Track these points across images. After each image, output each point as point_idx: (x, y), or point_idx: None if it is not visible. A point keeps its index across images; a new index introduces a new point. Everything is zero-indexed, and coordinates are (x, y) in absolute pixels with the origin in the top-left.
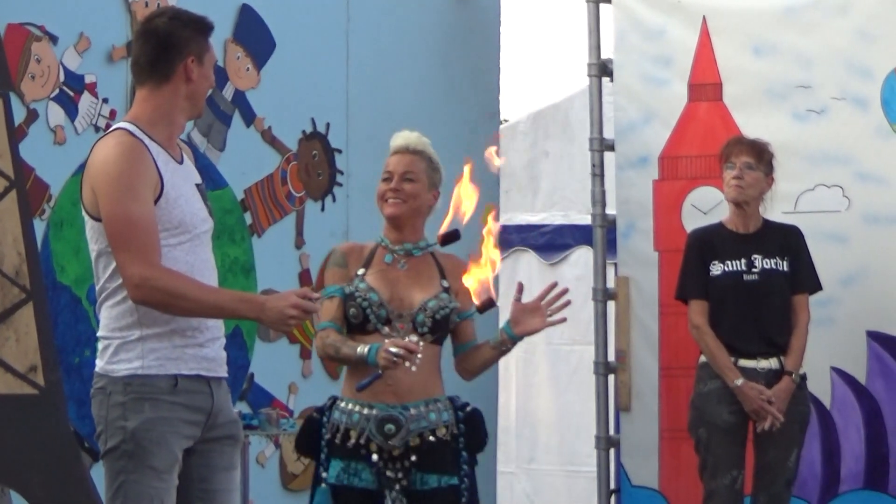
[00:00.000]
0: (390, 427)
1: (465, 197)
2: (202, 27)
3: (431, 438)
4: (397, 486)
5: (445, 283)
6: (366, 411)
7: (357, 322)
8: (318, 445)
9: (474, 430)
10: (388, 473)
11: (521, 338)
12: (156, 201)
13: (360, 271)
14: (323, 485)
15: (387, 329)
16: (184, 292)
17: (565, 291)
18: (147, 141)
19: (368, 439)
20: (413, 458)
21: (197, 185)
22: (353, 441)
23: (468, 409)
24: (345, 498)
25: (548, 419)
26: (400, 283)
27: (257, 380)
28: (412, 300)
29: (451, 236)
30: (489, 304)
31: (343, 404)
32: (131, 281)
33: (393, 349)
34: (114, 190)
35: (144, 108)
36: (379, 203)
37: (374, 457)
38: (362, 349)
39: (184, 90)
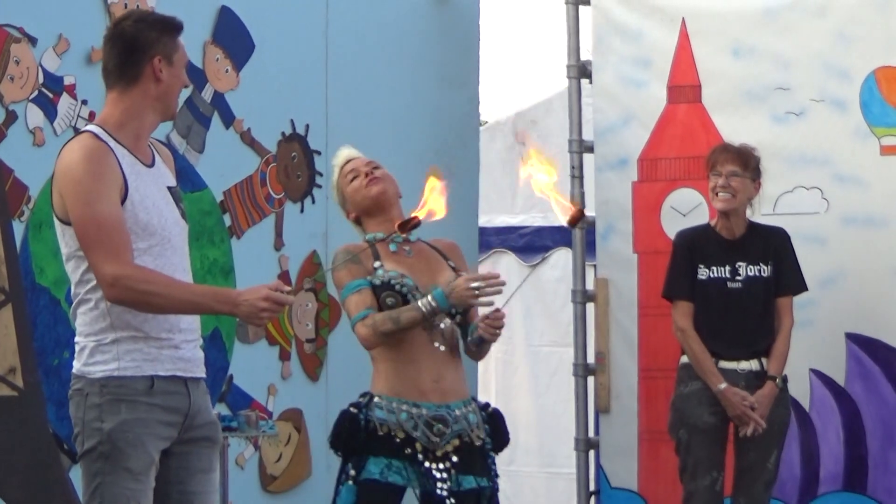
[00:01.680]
0: (440, 427)
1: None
2: (169, 27)
3: (468, 440)
4: (442, 487)
5: (452, 264)
6: (414, 410)
7: None
8: (356, 442)
9: (498, 431)
10: (436, 474)
11: (475, 342)
12: (121, 204)
13: (377, 263)
14: (350, 482)
15: None
16: (157, 290)
17: (501, 284)
18: (112, 144)
19: (412, 438)
20: (454, 458)
21: (170, 188)
22: (399, 439)
23: (490, 409)
24: (376, 495)
25: (527, 421)
26: (415, 268)
27: (236, 381)
28: (436, 282)
29: (410, 222)
30: (580, 215)
31: (386, 402)
32: (105, 280)
33: (473, 284)
34: (80, 192)
35: (113, 111)
36: (358, 196)
37: (420, 456)
38: (425, 301)
39: (153, 91)
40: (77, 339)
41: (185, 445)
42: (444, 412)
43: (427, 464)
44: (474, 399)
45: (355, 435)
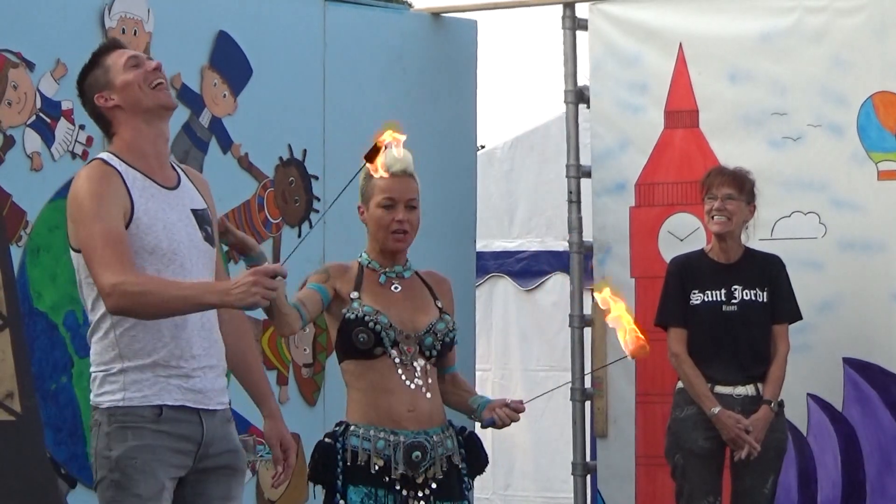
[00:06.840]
0: (418, 454)
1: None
2: (91, 61)
3: (445, 467)
4: None
5: (440, 304)
6: (392, 438)
7: (366, 347)
8: (333, 473)
9: (475, 454)
10: (413, 503)
11: (482, 421)
12: (126, 226)
13: (354, 294)
14: None
15: (395, 352)
16: (149, 289)
17: (521, 411)
18: (123, 168)
19: (392, 466)
20: (433, 485)
21: (196, 211)
22: (377, 468)
23: (466, 432)
24: None
25: (524, 445)
26: (399, 304)
27: (234, 406)
28: (415, 322)
29: (374, 151)
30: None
31: (363, 430)
32: (104, 290)
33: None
34: (82, 215)
35: (118, 142)
36: (380, 233)
37: (398, 485)
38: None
39: (122, 115)
40: (91, 368)
41: (202, 474)
42: (422, 439)
43: (405, 491)
44: (451, 424)
45: (332, 465)
